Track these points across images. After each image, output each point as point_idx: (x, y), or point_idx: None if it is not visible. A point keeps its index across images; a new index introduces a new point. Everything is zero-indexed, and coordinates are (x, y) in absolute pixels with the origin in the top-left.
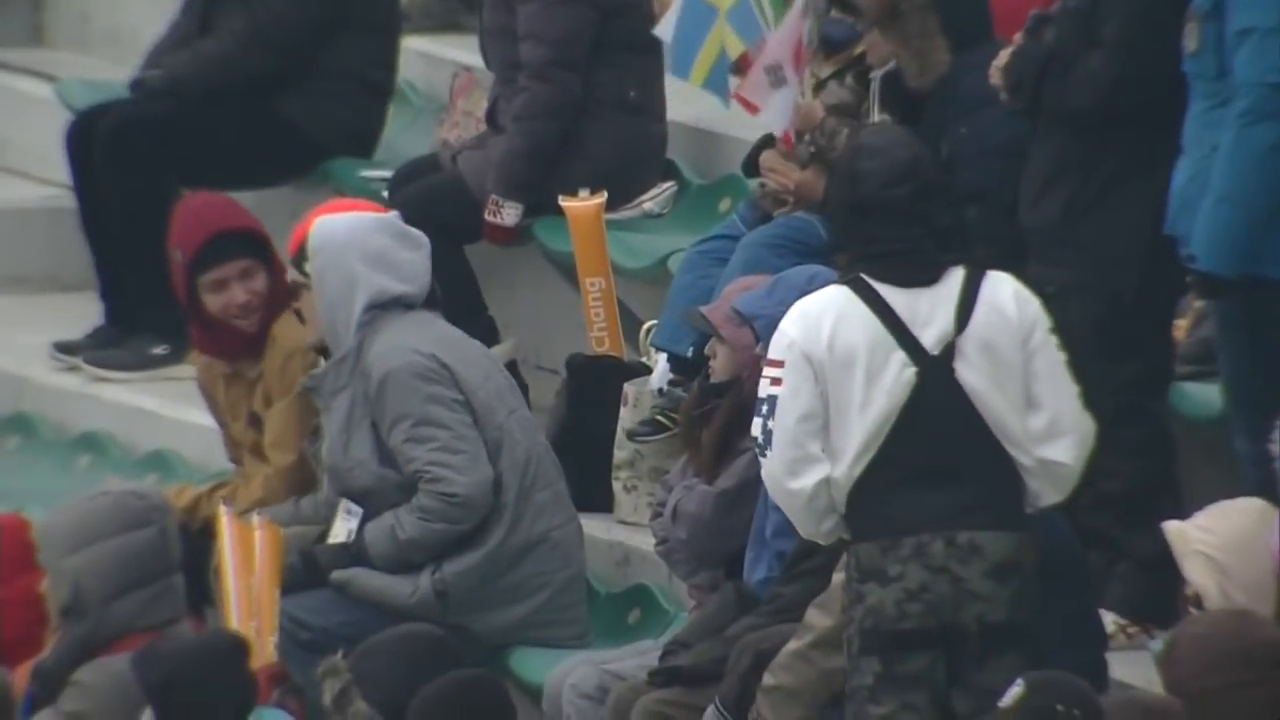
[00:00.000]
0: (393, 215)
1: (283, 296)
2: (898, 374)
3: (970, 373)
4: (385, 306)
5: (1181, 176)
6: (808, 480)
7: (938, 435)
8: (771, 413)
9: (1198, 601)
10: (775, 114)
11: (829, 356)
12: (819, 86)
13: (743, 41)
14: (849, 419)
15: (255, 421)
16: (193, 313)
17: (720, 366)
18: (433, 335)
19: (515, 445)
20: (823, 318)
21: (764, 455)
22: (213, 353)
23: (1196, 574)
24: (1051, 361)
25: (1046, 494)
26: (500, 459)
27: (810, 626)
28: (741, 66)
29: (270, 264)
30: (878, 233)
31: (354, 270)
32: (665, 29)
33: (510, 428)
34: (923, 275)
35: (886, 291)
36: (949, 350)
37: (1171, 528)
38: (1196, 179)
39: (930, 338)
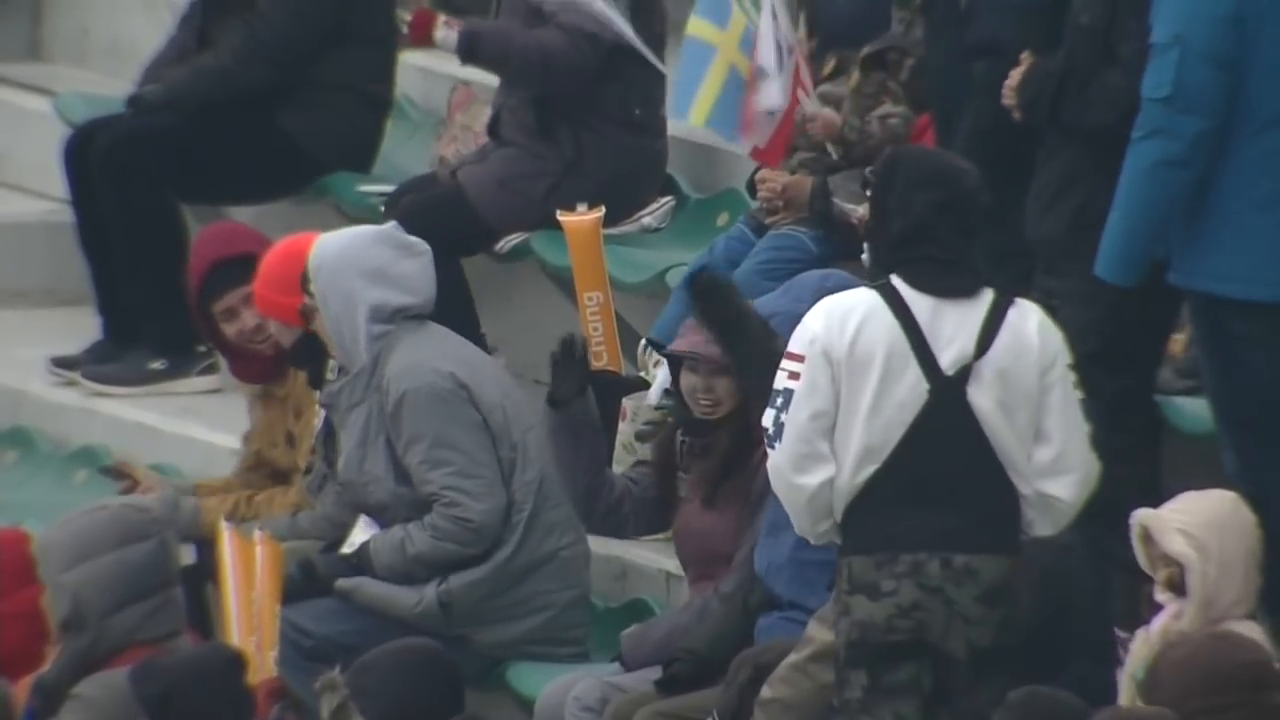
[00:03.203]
0: (391, 225)
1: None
2: (910, 390)
3: (982, 397)
4: (393, 320)
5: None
6: (813, 478)
7: (942, 456)
8: (786, 406)
9: (1172, 584)
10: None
11: (848, 357)
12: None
13: (747, 58)
14: (855, 422)
15: (292, 440)
16: (217, 343)
17: (726, 396)
18: (451, 352)
19: (530, 463)
20: (848, 317)
21: (772, 447)
22: (246, 378)
23: (1179, 547)
24: (1067, 398)
25: (1040, 525)
26: (514, 478)
27: (809, 640)
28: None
29: None
30: (910, 220)
31: (353, 287)
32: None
33: (526, 446)
34: (961, 288)
35: (916, 302)
36: (964, 373)
37: (1145, 513)
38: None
39: (948, 358)
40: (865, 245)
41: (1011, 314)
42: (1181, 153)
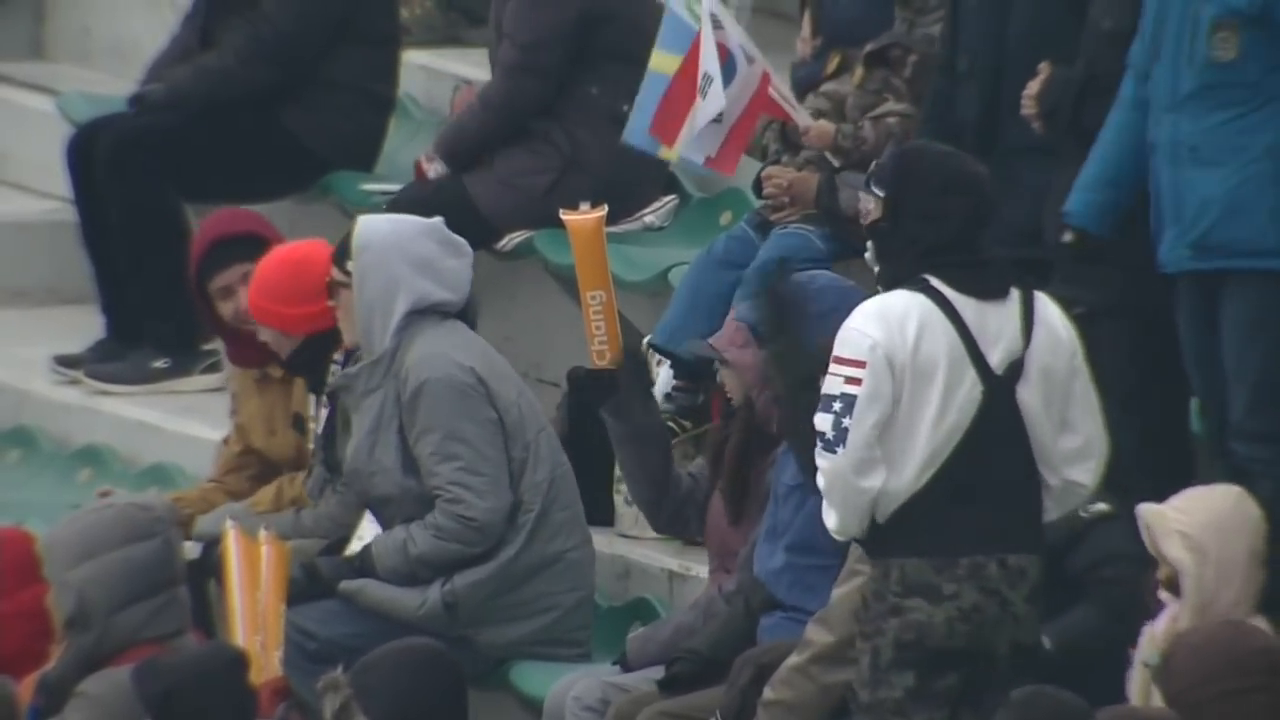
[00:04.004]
0: (438, 221)
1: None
2: (968, 392)
3: (1028, 393)
4: (423, 313)
5: (1220, 185)
6: (875, 481)
7: (992, 455)
8: (847, 411)
9: (1171, 584)
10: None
11: (911, 363)
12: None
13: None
14: (918, 429)
15: (300, 421)
16: (213, 325)
17: (731, 390)
18: (472, 347)
19: (540, 464)
20: (906, 321)
21: (832, 451)
22: (242, 362)
23: (1175, 550)
24: (1087, 385)
25: (1053, 512)
26: (524, 478)
27: (810, 642)
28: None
29: None
30: (940, 223)
31: (398, 273)
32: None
33: (538, 446)
34: (998, 288)
35: (960, 303)
36: (1014, 371)
37: (1149, 509)
38: (1246, 185)
39: (996, 358)
40: (871, 244)
41: (1038, 307)
42: None
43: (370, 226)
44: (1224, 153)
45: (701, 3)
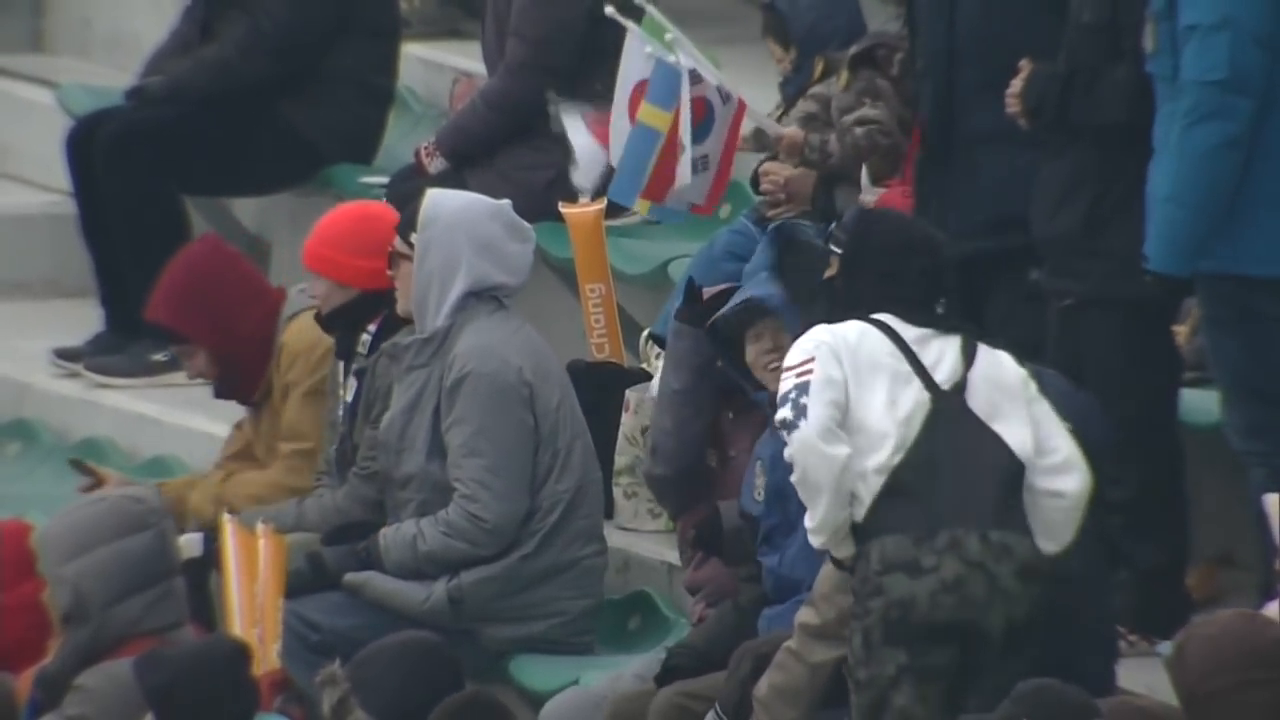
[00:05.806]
0: (505, 204)
1: (244, 357)
2: (916, 396)
3: (979, 403)
4: (480, 296)
5: (1153, 178)
6: (841, 450)
7: (957, 446)
8: (803, 393)
9: None
10: (695, 191)
11: (854, 359)
12: (785, 112)
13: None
14: (873, 409)
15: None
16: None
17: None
18: (524, 345)
19: (570, 471)
20: (848, 331)
21: (795, 427)
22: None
23: None
24: (1048, 410)
25: (1042, 540)
26: (546, 485)
27: (800, 625)
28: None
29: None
30: (896, 282)
31: (460, 251)
32: (585, 175)
33: (569, 454)
34: (940, 322)
35: (897, 325)
36: (960, 385)
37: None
38: None
39: (940, 376)
40: (826, 297)
41: (980, 347)
42: (1239, 134)
43: (440, 201)
44: (1159, 145)
45: (679, 57)
